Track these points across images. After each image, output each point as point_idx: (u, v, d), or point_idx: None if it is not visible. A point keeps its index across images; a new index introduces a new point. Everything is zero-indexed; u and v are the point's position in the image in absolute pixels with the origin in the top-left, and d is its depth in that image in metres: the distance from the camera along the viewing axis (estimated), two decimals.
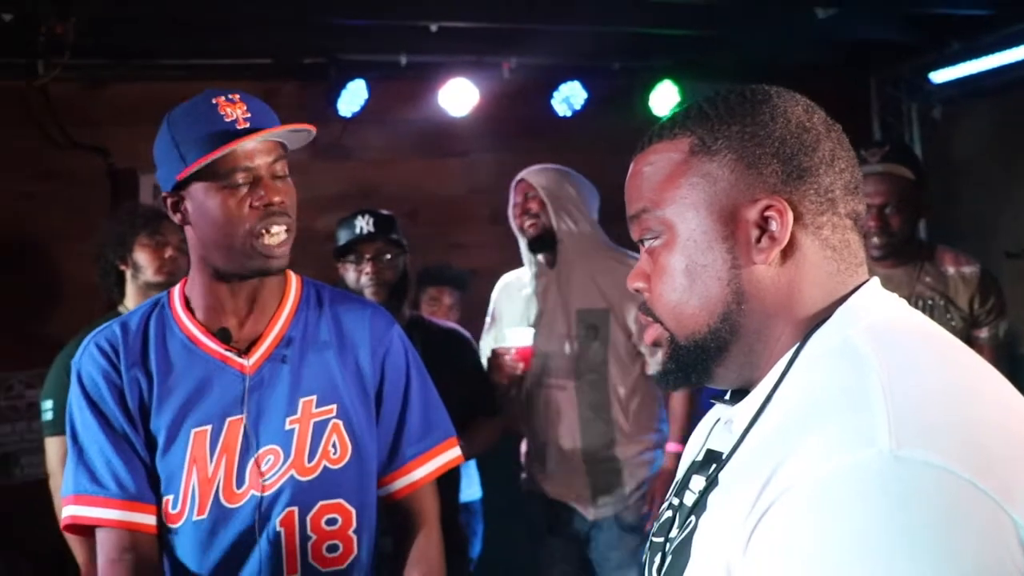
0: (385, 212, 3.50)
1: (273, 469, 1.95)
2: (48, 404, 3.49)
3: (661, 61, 5.31)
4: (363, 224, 3.42)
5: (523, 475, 3.70)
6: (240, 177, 1.90)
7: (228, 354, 1.99)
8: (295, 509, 1.96)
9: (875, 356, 1.03)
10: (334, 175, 5.12)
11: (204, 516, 1.94)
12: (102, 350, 1.97)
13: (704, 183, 1.15)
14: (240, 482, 1.95)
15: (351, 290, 3.37)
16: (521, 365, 3.46)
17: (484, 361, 3.65)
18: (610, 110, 5.20)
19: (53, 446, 3.48)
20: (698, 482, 1.19)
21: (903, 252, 3.16)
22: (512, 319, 3.65)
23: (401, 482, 2.11)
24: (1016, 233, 4.99)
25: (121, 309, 3.63)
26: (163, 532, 1.95)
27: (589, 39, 4.92)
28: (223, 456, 1.95)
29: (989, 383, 1.06)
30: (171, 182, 1.92)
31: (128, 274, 3.61)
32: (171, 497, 1.94)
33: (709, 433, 1.27)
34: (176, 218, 1.97)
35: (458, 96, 4.99)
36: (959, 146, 5.40)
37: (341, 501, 2.00)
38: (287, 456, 1.96)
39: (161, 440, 1.95)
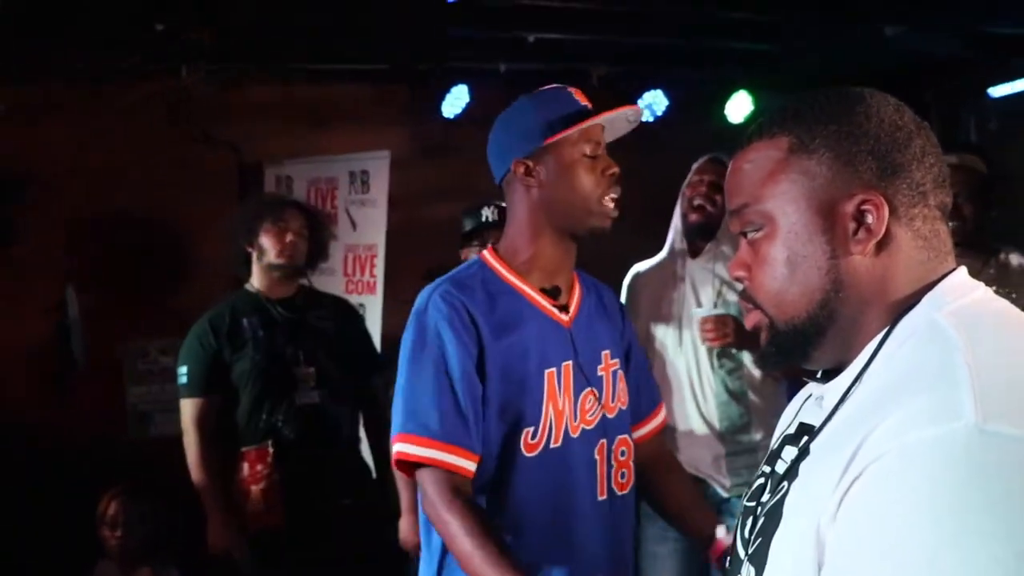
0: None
1: (593, 408, 2.08)
2: (183, 370, 3.56)
3: (737, 73, 5.24)
4: (488, 213, 3.45)
5: None
6: (593, 149, 2.03)
7: (552, 308, 2.08)
8: (604, 441, 2.10)
9: (960, 336, 1.01)
10: (437, 171, 5.15)
11: (559, 444, 2.03)
12: (450, 303, 1.99)
13: (804, 179, 1.13)
14: (575, 417, 2.06)
15: None
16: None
17: None
18: (689, 117, 5.13)
19: (187, 407, 3.55)
20: (790, 452, 1.18)
21: (972, 243, 3.03)
22: (646, 306, 3.46)
23: (642, 431, 2.27)
24: None
25: (247, 287, 3.69)
26: (516, 460, 2.00)
27: (671, 51, 4.86)
28: (566, 395, 2.05)
29: None
30: (532, 146, 2.03)
31: (254, 255, 3.66)
32: (531, 428, 2.01)
33: (800, 408, 1.26)
34: (524, 180, 2.05)
35: None
36: (1014, 157, 5.24)
37: (626, 436, 2.16)
38: (600, 397, 2.10)
39: (515, 379, 2.01)
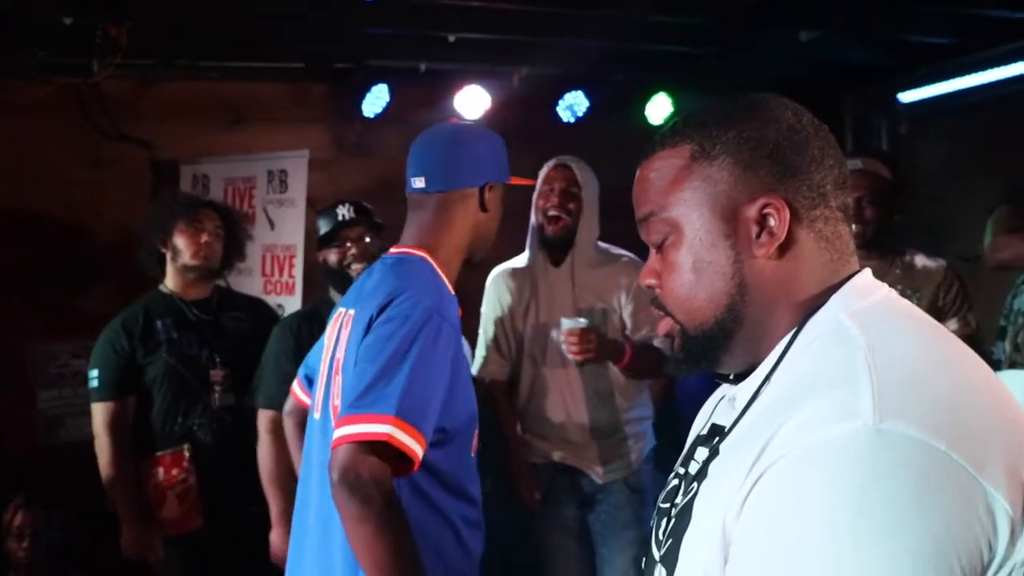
0: (362, 201, 3.49)
1: None
2: (95, 373, 3.47)
3: (657, 75, 5.26)
4: (344, 212, 3.41)
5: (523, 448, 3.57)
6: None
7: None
8: None
9: (863, 337, 1.04)
10: (356, 170, 5.07)
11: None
12: (450, 318, 2.07)
13: (706, 186, 1.14)
14: None
15: (333, 273, 3.36)
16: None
17: (480, 352, 3.58)
18: (609, 118, 5.14)
19: (99, 411, 3.46)
20: (702, 453, 1.19)
21: (876, 245, 3.12)
22: (514, 310, 3.47)
23: None
24: (970, 240, 4.97)
25: (162, 288, 3.62)
26: (469, 463, 2.16)
27: (592, 53, 4.86)
28: None
29: (967, 362, 1.07)
30: (504, 178, 2.31)
31: (168, 256, 3.59)
32: (476, 432, 2.17)
33: (714, 409, 1.27)
34: (484, 202, 2.24)
35: (471, 101, 4.92)
36: (923, 159, 5.37)
37: None
38: None
39: (470, 389, 2.15)
